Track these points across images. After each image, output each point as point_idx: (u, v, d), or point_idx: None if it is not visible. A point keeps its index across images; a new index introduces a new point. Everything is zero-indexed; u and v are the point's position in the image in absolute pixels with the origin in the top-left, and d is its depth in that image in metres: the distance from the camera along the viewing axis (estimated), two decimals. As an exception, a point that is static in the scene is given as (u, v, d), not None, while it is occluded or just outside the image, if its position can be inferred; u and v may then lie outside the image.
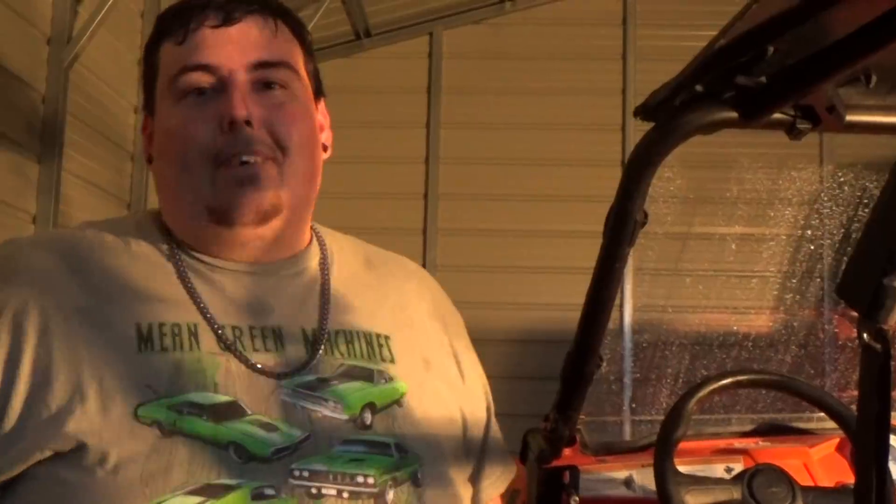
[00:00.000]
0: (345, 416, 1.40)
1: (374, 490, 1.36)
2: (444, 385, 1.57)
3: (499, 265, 6.68)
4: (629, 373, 6.50)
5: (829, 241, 6.43)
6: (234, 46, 1.45)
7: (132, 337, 1.35)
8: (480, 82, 6.93)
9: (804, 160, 6.30)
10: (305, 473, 1.33)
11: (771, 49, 1.13)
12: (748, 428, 3.17)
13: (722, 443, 2.91)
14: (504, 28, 7.09)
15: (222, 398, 1.34)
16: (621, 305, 6.57)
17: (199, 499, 1.27)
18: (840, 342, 6.37)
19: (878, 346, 0.94)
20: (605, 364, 2.04)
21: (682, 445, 2.25)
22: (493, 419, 1.69)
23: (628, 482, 2.72)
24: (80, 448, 1.27)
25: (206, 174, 1.41)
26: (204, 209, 1.42)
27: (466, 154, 6.80)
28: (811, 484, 2.52)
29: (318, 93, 1.57)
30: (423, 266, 6.85)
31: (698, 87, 1.22)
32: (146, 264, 1.44)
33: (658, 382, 6.04)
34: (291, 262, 1.52)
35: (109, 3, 4.49)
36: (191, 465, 1.28)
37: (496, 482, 1.68)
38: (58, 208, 4.41)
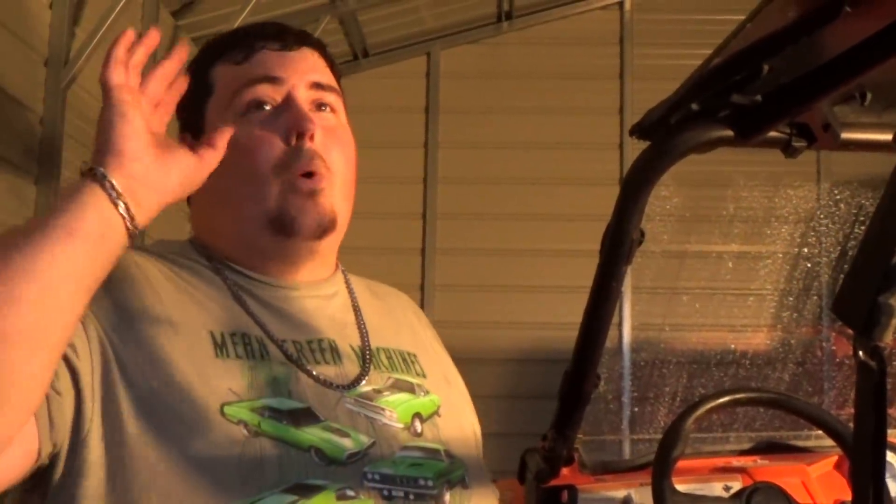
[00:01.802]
0: (400, 425, 1.48)
1: (434, 492, 1.45)
2: (460, 397, 1.69)
3: (497, 284, 6.68)
4: (628, 391, 6.50)
5: (825, 258, 6.43)
6: (294, 66, 1.54)
7: (209, 343, 1.40)
8: (478, 102, 6.94)
9: (801, 178, 6.31)
10: (377, 476, 1.41)
11: (766, 67, 1.13)
12: (746, 446, 3.16)
13: (720, 461, 2.90)
14: (501, 48, 7.10)
15: (298, 404, 1.40)
16: (620, 324, 6.57)
17: (292, 497, 1.32)
18: (838, 360, 6.37)
19: (874, 364, 0.94)
20: (602, 383, 2.04)
21: (681, 464, 2.25)
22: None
23: (627, 501, 2.71)
24: (170, 447, 1.31)
25: (271, 185, 1.47)
26: (266, 220, 1.48)
27: (464, 174, 6.81)
28: (809, 502, 2.52)
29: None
30: (422, 286, 6.85)
31: (694, 106, 1.23)
32: (203, 280, 1.49)
33: (656, 401, 6.03)
34: (328, 283, 1.60)
35: (107, 24, 4.49)
36: (281, 466, 1.34)
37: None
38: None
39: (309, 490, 1.34)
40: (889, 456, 2.69)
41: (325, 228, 1.49)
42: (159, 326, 1.38)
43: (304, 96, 1.52)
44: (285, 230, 1.47)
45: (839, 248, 6.23)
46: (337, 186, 1.51)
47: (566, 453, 2.28)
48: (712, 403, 2.29)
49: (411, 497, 1.42)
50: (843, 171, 6.29)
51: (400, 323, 1.68)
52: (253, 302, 1.48)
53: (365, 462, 1.40)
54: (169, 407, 1.32)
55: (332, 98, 1.56)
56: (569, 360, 1.99)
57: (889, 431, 0.98)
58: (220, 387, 1.36)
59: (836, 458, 2.78)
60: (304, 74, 1.54)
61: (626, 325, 6.62)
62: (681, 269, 6.45)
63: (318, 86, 1.55)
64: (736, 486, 2.57)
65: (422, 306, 6.50)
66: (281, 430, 1.36)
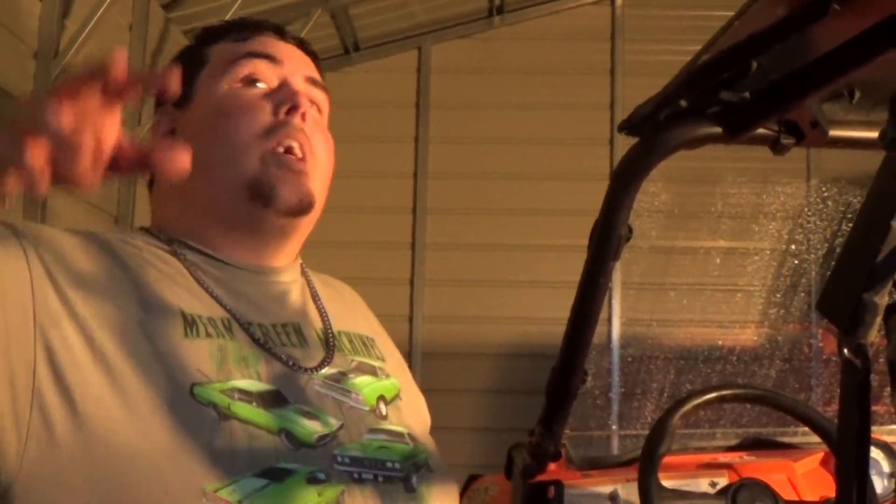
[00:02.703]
0: (366, 407, 1.47)
1: (402, 474, 1.44)
2: (416, 389, 1.68)
3: (487, 279, 6.68)
4: (616, 387, 6.51)
5: (813, 255, 6.45)
6: (292, 57, 1.56)
7: (179, 322, 1.37)
8: (469, 97, 6.94)
9: (790, 175, 6.31)
10: (346, 459, 1.39)
11: (755, 65, 1.13)
12: (733, 442, 3.17)
13: (706, 457, 2.91)
14: (492, 43, 7.10)
15: (267, 386, 1.38)
16: (609, 320, 6.57)
17: (264, 481, 1.30)
18: (825, 356, 6.38)
19: (858, 362, 0.94)
20: (590, 378, 2.05)
21: (667, 460, 2.25)
22: None
23: (613, 497, 2.72)
24: (139, 430, 1.27)
25: (252, 151, 1.45)
26: (244, 185, 1.45)
27: (455, 168, 6.81)
28: (795, 498, 2.52)
29: None
30: (412, 280, 6.85)
31: (683, 103, 1.23)
32: (162, 261, 1.45)
33: (644, 397, 6.04)
34: (289, 270, 1.57)
35: (97, 16, 4.49)
36: (252, 449, 1.32)
37: None
38: (44, 222, 4.40)
39: (280, 474, 1.32)
40: (874, 452, 2.71)
41: (303, 206, 1.48)
42: (129, 301, 1.35)
43: (299, 85, 1.53)
44: (263, 198, 1.45)
45: (827, 245, 6.24)
46: (317, 174, 1.51)
47: (553, 449, 2.28)
48: (699, 400, 2.29)
49: (380, 479, 1.40)
50: (833, 169, 6.30)
51: (355, 310, 1.69)
52: (215, 285, 1.46)
53: (335, 445, 1.39)
54: (139, 385, 1.29)
55: (321, 97, 1.57)
56: (556, 355, 2.00)
57: (874, 428, 0.99)
58: (190, 367, 1.33)
59: (822, 454, 2.78)
60: (301, 66, 1.56)
61: (616, 320, 6.63)
62: (669, 265, 6.46)
63: (312, 81, 1.56)
64: (722, 482, 2.58)
65: (411, 301, 6.55)
66: (251, 413, 1.34)
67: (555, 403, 2.12)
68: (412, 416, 1.56)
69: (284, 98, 1.49)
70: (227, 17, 5.11)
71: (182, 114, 1.54)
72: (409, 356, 5.91)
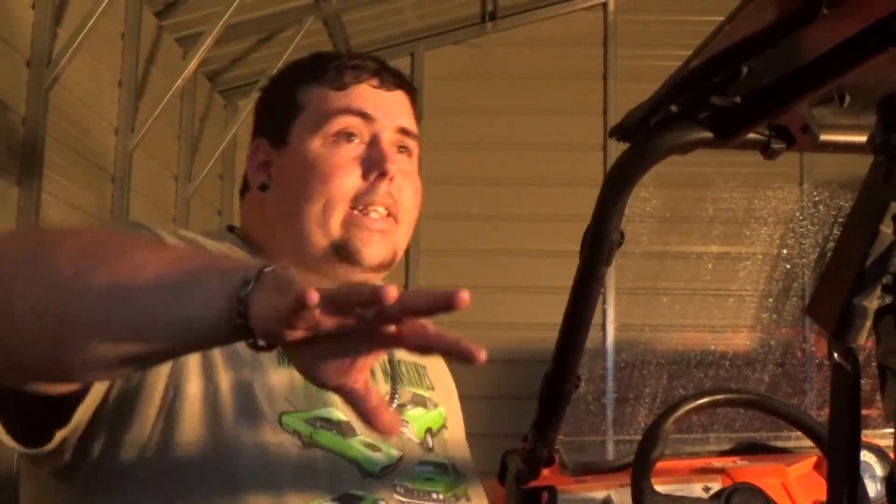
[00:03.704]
0: (417, 440, 1.55)
1: None
2: (458, 410, 1.75)
3: (480, 285, 6.68)
4: (610, 392, 6.50)
5: (805, 259, 6.45)
6: (387, 108, 1.60)
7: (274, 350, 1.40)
8: (462, 103, 6.94)
9: (782, 179, 6.32)
10: (401, 490, 1.47)
11: (745, 69, 1.13)
12: (726, 447, 3.17)
13: (700, 462, 2.91)
14: (485, 48, 7.10)
15: (343, 416, 1.45)
16: (604, 325, 6.57)
17: None
18: (818, 360, 6.38)
19: (848, 366, 0.94)
20: (583, 384, 2.05)
21: (660, 465, 2.25)
22: None
23: (607, 502, 2.71)
24: (227, 452, 1.35)
25: (341, 214, 1.53)
26: (330, 246, 1.53)
27: (448, 174, 6.81)
28: (789, 503, 2.53)
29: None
30: (406, 286, 6.84)
31: (673, 108, 1.23)
32: None
33: (637, 402, 6.04)
34: None
35: (89, 25, 4.47)
36: (331, 475, 1.41)
37: None
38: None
39: (353, 500, 1.40)
40: (866, 456, 2.71)
41: (385, 263, 1.56)
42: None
43: (389, 138, 1.58)
44: (349, 259, 1.53)
45: (819, 249, 6.24)
46: (402, 229, 1.58)
47: (547, 454, 2.28)
48: (692, 404, 2.29)
49: None
50: (825, 173, 6.30)
51: None
52: None
53: (394, 475, 1.47)
54: (230, 409, 1.37)
55: (412, 143, 1.62)
56: (549, 360, 2.00)
57: (866, 432, 0.99)
58: (280, 395, 1.41)
59: (815, 458, 2.78)
60: (394, 117, 1.60)
61: (610, 325, 6.63)
62: (661, 270, 6.46)
63: (404, 131, 1.60)
64: (715, 486, 2.58)
65: (404, 307, 6.54)
66: (332, 441, 1.42)
67: (548, 409, 2.12)
68: (456, 444, 1.63)
69: (374, 163, 1.54)
70: (220, 25, 5.11)
71: (277, 155, 1.60)
72: (402, 362, 5.91)
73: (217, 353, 1.39)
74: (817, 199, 6.12)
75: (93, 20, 4.49)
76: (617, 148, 1.31)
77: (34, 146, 4.41)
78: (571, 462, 3.05)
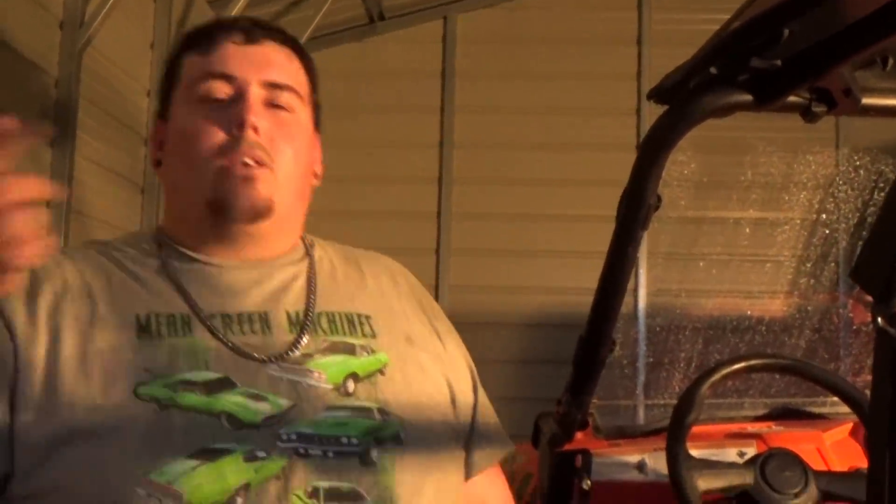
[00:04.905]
0: (328, 386, 1.52)
1: (358, 449, 1.47)
2: (428, 358, 1.67)
3: (513, 249, 6.68)
4: (643, 357, 6.49)
5: (844, 225, 6.40)
6: (252, 63, 1.61)
7: (132, 325, 1.48)
8: (495, 66, 6.91)
9: (820, 144, 6.27)
10: (293, 436, 1.45)
11: (786, 31, 1.12)
12: (761, 412, 3.16)
13: (735, 427, 2.90)
14: (518, 12, 7.06)
15: (214, 374, 1.46)
16: (636, 290, 6.56)
17: (196, 462, 1.39)
18: (854, 327, 6.34)
19: (893, 331, 0.93)
20: (617, 348, 2.05)
21: (695, 430, 2.25)
22: (482, 395, 1.78)
23: (640, 466, 2.72)
24: (83, 421, 1.39)
25: (211, 171, 1.55)
26: (205, 203, 1.56)
27: (480, 138, 6.79)
28: (824, 468, 2.51)
29: (317, 126, 1.72)
30: (437, 250, 6.84)
31: (713, 70, 1.22)
32: (139, 267, 1.58)
33: (671, 367, 6.02)
34: (277, 259, 1.65)
35: (123, -14, 4.49)
36: (187, 433, 1.40)
37: (490, 454, 1.76)
38: (71, 192, 4.41)
39: (214, 454, 1.39)
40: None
41: (259, 213, 1.56)
42: (93, 309, 1.49)
43: (256, 93, 1.59)
44: (221, 214, 1.55)
45: (857, 214, 6.19)
46: (280, 178, 1.58)
47: (580, 418, 2.28)
48: (728, 369, 2.29)
49: (330, 455, 1.45)
50: (864, 137, 6.24)
51: (364, 285, 1.72)
52: (190, 282, 1.56)
53: (282, 424, 1.45)
54: (89, 386, 1.41)
55: (287, 98, 1.63)
56: (584, 325, 1.99)
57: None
58: (138, 366, 1.44)
59: (851, 425, 2.77)
60: (260, 72, 1.61)
61: (642, 290, 6.61)
62: (698, 235, 6.43)
63: (272, 85, 1.61)
64: (750, 451, 2.57)
65: (437, 270, 6.53)
66: (192, 400, 1.43)
67: (582, 372, 2.12)
68: (397, 389, 1.57)
69: (233, 116, 1.56)
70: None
71: (165, 130, 1.65)
72: (435, 326, 5.90)
73: (68, 333, 1.45)
74: (857, 163, 6.06)
75: (126, -18, 4.49)
76: (651, 113, 1.30)
77: (67, 108, 4.43)
78: (605, 425, 3.05)
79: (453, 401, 1.67)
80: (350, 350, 1.57)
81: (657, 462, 2.64)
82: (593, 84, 6.81)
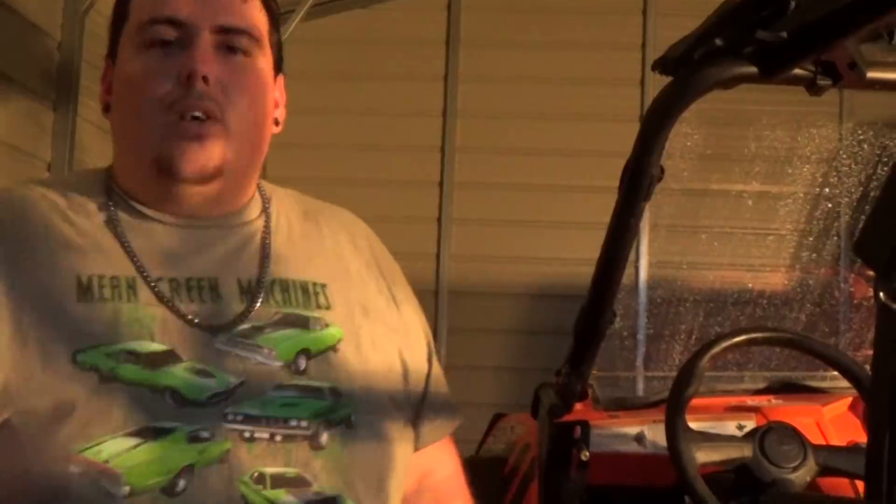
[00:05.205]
0: (279, 363, 1.44)
1: (308, 432, 1.41)
2: (383, 330, 1.59)
3: (515, 219, 6.66)
4: (643, 329, 6.49)
5: (847, 199, 6.38)
6: (203, 5, 1.48)
7: (72, 287, 1.39)
8: (500, 35, 6.88)
9: (824, 117, 6.24)
10: (239, 417, 1.37)
11: (792, 4, 1.11)
12: (761, 386, 3.16)
13: (734, 400, 2.90)
14: (524, -20, 7.03)
15: (159, 346, 1.38)
16: (637, 261, 6.55)
17: (136, 440, 1.31)
18: (856, 301, 6.34)
19: (895, 306, 0.93)
20: (618, 319, 2.05)
21: (694, 402, 2.25)
22: (436, 365, 1.69)
23: (639, 438, 2.72)
24: (19, 394, 1.31)
25: (158, 125, 1.44)
26: (151, 160, 1.45)
27: (484, 108, 6.77)
28: (823, 442, 2.52)
29: (279, 68, 1.60)
30: (440, 219, 6.84)
31: (718, 42, 1.21)
32: (83, 218, 1.48)
33: (671, 339, 6.03)
34: (230, 216, 1.55)
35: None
36: (128, 410, 1.32)
37: (439, 427, 1.70)
38: (73, 155, 4.40)
39: (156, 433, 1.32)
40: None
41: (208, 173, 1.46)
42: (23, 269, 1.39)
43: (208, 39, 1.47)
44: (167, 173, 1.45)
45: (861, 189, 6.17)
46: (232, 133, 1.47)
47: (580, 389, 2.29)
48: (728, 342, 2.29)
49: (278, 438, 1.39)
50: (867, 112, 6.22)
51: (322, 247, 1.63)
52: (138, 238, 1.47)
53: (229, 402, 1.37)
54: (26, 351, 1.33)
55: (244, 41, 1.51)
56: (584, 295, 1.99)
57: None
58: (77, 331, 1.35)
59: (850, 399, 2.77)
60: (212, 16, 1.48)
61: (643, 262, 6.60)
62: (700, 208, 6.41)
63: (226, 29, 1.49)
64: (749, 425, 2.58)
65: (438, 239, 6.52)
66: (135, 374, 1.34)
67: (582, 343, 2.12)
68: (351, 366, 1.51)
69: (183, 65, 1.45)
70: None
71: (113, 71, 1.55)
72: (435, 295, 5.90)
73: (1, 298, 1.36)
74: (861, 137, 6.04)
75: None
76: (656, 84, 1.29)
77: (70, 71, 4.42)
78: (604, 397, 3.06)
79: (406, 373, 1.60)
80: (303, 323, 1.50)
81: (656, 434, 2.64)
82: (598, 54, 6.77)
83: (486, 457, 3.33)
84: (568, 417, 2.41)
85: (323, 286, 1.56)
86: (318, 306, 1.53)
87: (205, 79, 1.44)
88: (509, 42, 6.82)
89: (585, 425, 2.44)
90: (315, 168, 5.84)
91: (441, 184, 6.73)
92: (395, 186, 6.47)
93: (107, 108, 1.57)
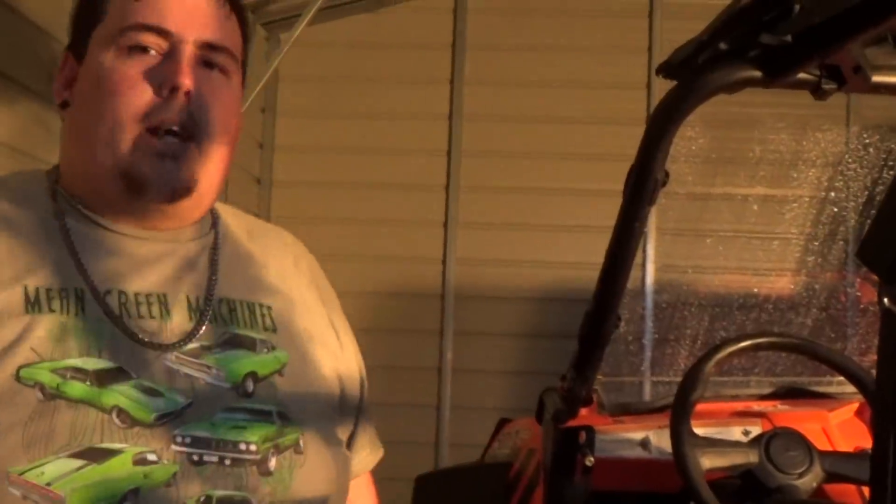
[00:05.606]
0: (227, 385, 1.41)
1: (257, 457, 1.38)
2: (325, 355, 1.58)
3: (521, 223, 6.66)
4: (649, 333, 6.49)
5: (852, 203, 6.38)
6: (190, 16, 1.46)
7: (20, 298, 1.34)
8: (506, 38, 6.88)
9: (829, 121, 6.24)
10: (188, 440, 1.34)
11: (797, 7, 1.11)
12: (767, 391, 3.15)
13: (740, 405, 2.89)
14: (529, -16, 7.03)
15: (107, 364, 1.34)
16: (643, 265, 6.55)
17: (80, 462, 1.26)
18: (862, 306, 6.33)
19: (899, 312, 0.92)
20: (623, 324, 2.04)
21: (700, 407, 2.25)
22: (366, 397, 1.69)
23: (644, 443, 2.71)
24: None
25: (131, 136, 1.41)
26: (118, 173, 1.42)
27: (490, 111, 6.77)
28: (829, 448, 2.51)
29: (243, 86, 1.58)
30: (446, 223, 6.84)
31: (722, 45, 1.21)
32: (37, 226, 1.43)
33: (677, 343, 6.02)
34: (184, 230, 1.53)
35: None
36: (73, 429, 1.28)
37: (365, 459, 1.70)
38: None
39: (102, 454, 1.28)
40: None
41: (178, 195, 1.44)
42: None
43: (190, 52, 1.45)
44: (135, 189, 1.42)
45: (867, 193, 6.16)
46: (204, 150, 1.45)
47: (585, 394, 2.28)
48: (734, 347, 2.28)
49: (227, 462, 1.36)
50: (874, 115, 6.22)
51: (267, 268, 1.61)
52: (90, 249, 1.43)
53: (177, 424, 1.34)
54: None
55: (223, 59, 1.50)
56: (590, 300, 1.99)
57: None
58: (22, 347, 1.30)
59: (857, 405, 2.77)
60: (197, 31, 1.47)
61: (649, 266, 6.60)
62: (705, 212, 6.41)
63: (209, 45, 1.48)
64: (755, 430, 2.57)
65: (445, 243, 6.51)
66: (82, 392, 1.30)
67: (587, 348, 2.11)
68: (297, 390, 1.49)
69: (166, 76, 1.42)
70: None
71: (79, 68, 1.50)
72: (441, 298, 5.91)
73: None
74: (867, 141, 6.03)
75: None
76: (661, 87, 1.29)
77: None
78: (609, 402, 3.05)
79: (342, 401, 1.59)
80: (251, 345, 1.47)
81: (662, 440, 2.64)
82: (603, 57, 6.77)
83: (491, 462, 3.33)
84: (573, 422, 2.40)
85: (269, 308, 1.54)
86: (265, 328, 1.52)
87: (188, 93, 1.42)
88: (515, 45, 6.82)
89: (590, 430, 2.43)
90: (321, 172, 5.85)
91: (447, 187, 6.73)
92: (402, 190, 6.47)
93: (63, 105, 1.53)
